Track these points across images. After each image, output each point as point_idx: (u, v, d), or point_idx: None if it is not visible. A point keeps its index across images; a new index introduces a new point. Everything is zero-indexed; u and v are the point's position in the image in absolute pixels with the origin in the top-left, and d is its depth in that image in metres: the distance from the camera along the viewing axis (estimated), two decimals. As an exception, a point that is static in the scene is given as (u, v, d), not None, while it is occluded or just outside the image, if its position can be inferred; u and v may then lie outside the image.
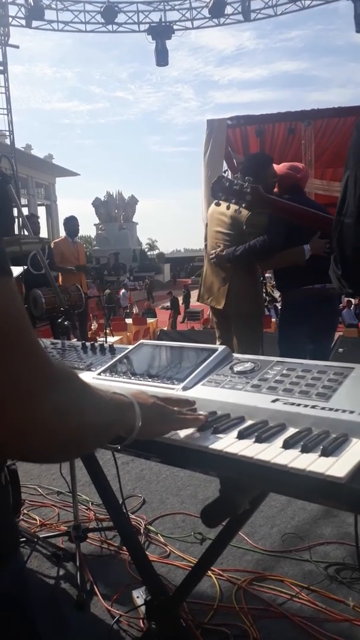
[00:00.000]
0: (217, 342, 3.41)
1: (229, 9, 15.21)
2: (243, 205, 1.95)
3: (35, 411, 0.61)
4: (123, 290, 21.50)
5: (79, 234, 7.22)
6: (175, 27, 15.58)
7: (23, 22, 15.32)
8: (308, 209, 2.00)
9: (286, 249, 3.02)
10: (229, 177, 1.93)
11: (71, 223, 6.87)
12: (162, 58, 15.28)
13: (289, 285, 3.18)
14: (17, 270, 2.85)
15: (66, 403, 0.66)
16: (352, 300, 13.09)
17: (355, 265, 1.39)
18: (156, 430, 0.92)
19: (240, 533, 2.39)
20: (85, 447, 0.76)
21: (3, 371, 0.58)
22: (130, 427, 0.85)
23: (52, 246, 6.48)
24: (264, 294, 4.76)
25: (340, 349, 5.24)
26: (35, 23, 15.39)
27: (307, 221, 2.25)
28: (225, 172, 9.64)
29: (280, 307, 3.48)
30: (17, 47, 16.41)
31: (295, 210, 1.83)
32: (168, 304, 16.98)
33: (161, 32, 15.23)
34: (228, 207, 3.18)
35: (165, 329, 12.06)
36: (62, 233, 7.43)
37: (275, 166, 3.20)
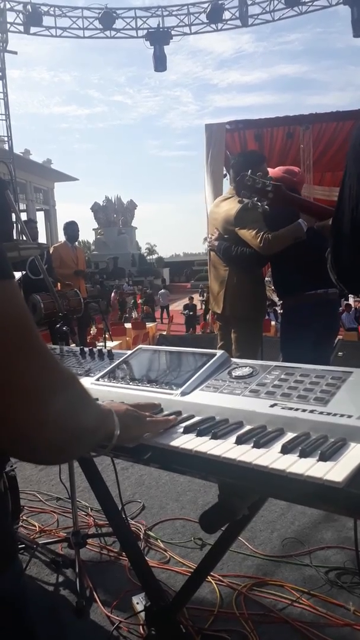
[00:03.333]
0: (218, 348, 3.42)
1: (226, 14, 15.29)
2: (265, 203, 1.96)
3: (42, 409, 0.61)
4: (162, 290, 21.49)
5: (78, 239, 7.23)
6: (173, 32, 15.62)
7: (21, 28, 15.36)
8: (328, 207, 2.00)
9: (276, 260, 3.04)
10: (252, 175, 1.92)
11: (71, 228, 6.87)
12: (160, 64, 15.35)
13: (290, 292, 3.17)
14: (15, 276, 2.85)
15: (71, 404, 0.67)
16: (352, 304, 13.11)
17: (351, 271, 1.43)
18: (133, 434, 0.96)
19: (240, 538, 2.39)
20: (78, 450, 0.79)
21: (10, 371, 0.58)
22: (110, 434, 0.88)
23: (51, 251, 6.49)
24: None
25: (339, 353, 5.24)
26: (33, 29, 15.42)
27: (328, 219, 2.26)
28: (225, 176, 9.68)
29: (281, 313, 3.46)
30: (16, 53, 16.47)
31: (316, 208, 1.82)
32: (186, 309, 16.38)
33: (159, 38, 15.30)
34: (228, 203, 3.21)
35: (165, 333, 12.06)
36: (61, 238, 7.44)
37: (270, 170, 3.20)
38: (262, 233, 3.01)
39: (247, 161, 3.13)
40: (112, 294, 20.61)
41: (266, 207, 2.00)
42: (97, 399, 1.27)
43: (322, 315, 3.06)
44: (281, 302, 3.52)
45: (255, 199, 1.93)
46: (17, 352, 0.59)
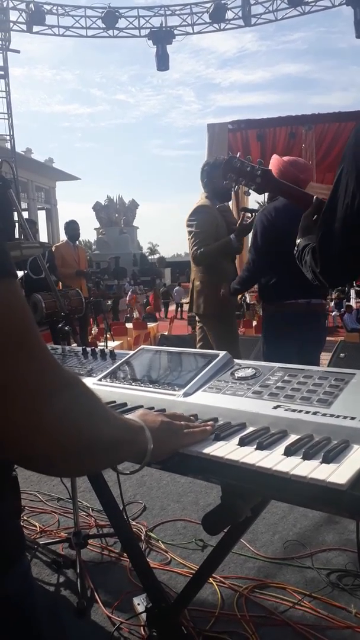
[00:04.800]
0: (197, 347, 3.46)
1: (229, 14, 15.24)
2: (253, 187, 1.92)
3: (42, 413, 0.59)
4: (177, 287, 21.86)
5: (79, 238, 7.23)
6: (175, 32, 15.58)
7: (24, 27, 15.33)
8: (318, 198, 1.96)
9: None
10: (241, 158, 1.86)
11: (72, 227, 6.87)
12: (162, 63, 15.33)
13: (271, 299, 2.98)
14: (17, 275, 2.85)
15: (74, 406, 0.64)
16: (353, 305, 13.09)
17: (336, 266, 1.43)
18: (167, 449, 0.92)
19: (242, 540, 2.37)
20: (94, 462, 0.74)
21: (9, 373, 0.57)
22: (142, 451, 0.84)
23: (53, 250, 6.48)
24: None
25: (341, 354, 5.22)
26: (36, 28, 15.40)
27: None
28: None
29: (262, 322, 3.33)
30: (18, 52, 16.42)
31: (305, 197, 1.78)
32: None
33: (162, 37, 15.28)
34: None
35: (166, 333, 12.03)
36: (62, 237, 7.43)
37: (276, 158, 3.00)
38: (195, 248, 3.14)
39: (219, 164, 3.17)
40: (128, 294, 21.09)
41: (253, 190, 1.96)
42: (124, 403, 1.24)
43: (304, 326, 2.86)
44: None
45: (243, 182, 1.89)
46: (16, 354, 0.57)
